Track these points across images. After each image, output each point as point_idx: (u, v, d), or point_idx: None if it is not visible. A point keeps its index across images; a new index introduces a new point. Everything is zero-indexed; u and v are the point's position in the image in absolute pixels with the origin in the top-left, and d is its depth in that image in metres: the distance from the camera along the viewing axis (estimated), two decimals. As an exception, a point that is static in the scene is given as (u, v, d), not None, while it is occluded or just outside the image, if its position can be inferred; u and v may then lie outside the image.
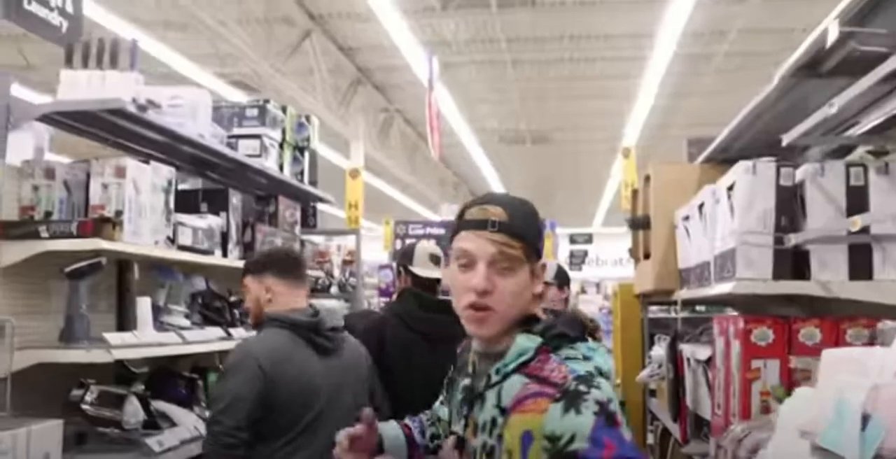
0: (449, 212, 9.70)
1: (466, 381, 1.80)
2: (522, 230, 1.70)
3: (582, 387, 1.57)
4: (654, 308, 5.84)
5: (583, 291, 22.35)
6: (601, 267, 28.68)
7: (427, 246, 3.83)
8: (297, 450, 2.95)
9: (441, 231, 8.82)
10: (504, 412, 1.63)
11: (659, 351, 4.43)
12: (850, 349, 2.35)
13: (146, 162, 3.35)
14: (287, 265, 3.23)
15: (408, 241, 8.59)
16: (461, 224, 1.74)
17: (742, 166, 2.87)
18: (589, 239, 23.53)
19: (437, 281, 3.71)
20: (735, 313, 4.64)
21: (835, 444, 1.67)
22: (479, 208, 1.72)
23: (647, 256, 4.59)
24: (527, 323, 1.72)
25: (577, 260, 21.40)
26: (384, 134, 16.82)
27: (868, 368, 1.79)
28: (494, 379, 1.69)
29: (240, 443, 2.85)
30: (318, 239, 6.04)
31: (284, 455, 2.94)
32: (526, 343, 1.69)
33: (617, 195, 22.13)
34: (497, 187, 22.31)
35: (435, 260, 3.74)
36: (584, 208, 27.40)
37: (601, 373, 1.63)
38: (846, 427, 1.64)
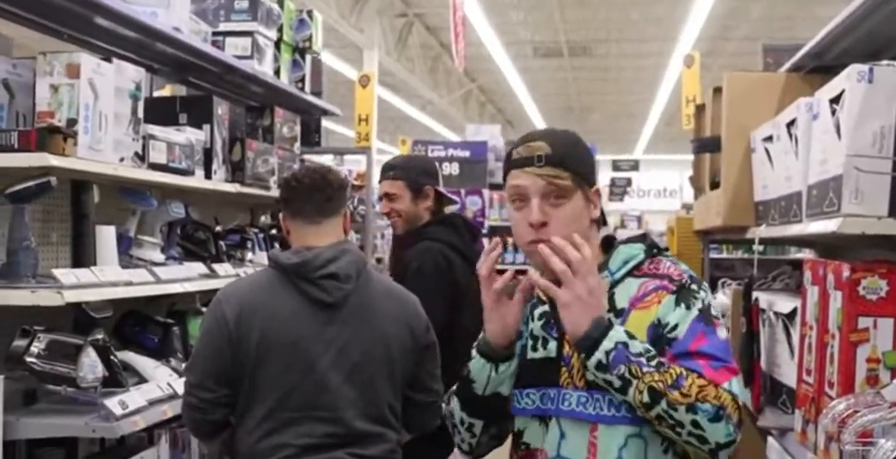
0: (475, 134, 9.34)
1: (543, 308, 1.99)
2: (568, 159, 1.94)
3: (694, 286, 1.93)
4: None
5: (622, 225, 22.11)
6: (643, 198, 28.44)
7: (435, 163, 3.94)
8: (281, 428, 2.61)
9: (466, 153, 8.48)
10: (621, 313, 1.91)
11: (724, 298, 4.15)
12: None
13: (108, 60, 3.09)
14: (290, 194, 2.80)
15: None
16: (510, 163, 1.96)
17: (854, 71, 2.51)
18: (635, 165, 23.25)
19: None
20: (810, 255, 4.34)
21: None
22: (523, 146, 1.95)
23: (714, 186, 4.25)
24: (605, 243, 2.03)
25: (619, 189, 21.10)
26: (402, 43, 16.42)
27: None
28: None
29: (204, 405, 2.64)
30: (322, 159, 5.78)
31: (264, 433, 2.61)
32: (631, 250, 1.99)
33: (663, 117, 21.76)
34: (529, 106, 21.98)
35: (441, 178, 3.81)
36: (627, 133, 27.05)
37: None
38: None
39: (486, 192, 8.39)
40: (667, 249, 2.01)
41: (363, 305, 2.72)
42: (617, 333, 1.82)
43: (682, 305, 1.89)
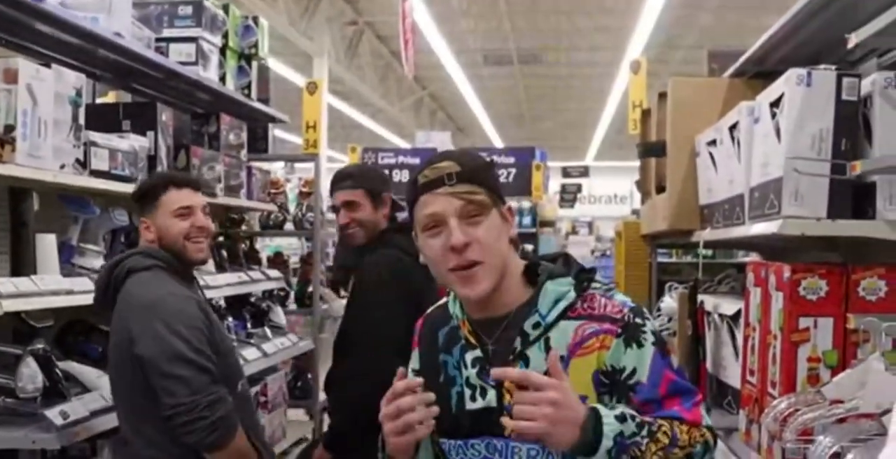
0: (425, 140, 9.34)
1: (475, 353, 1.86)
2: (480, 174, 1.83)
3: (638, 319, 1.80)
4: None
5: (573, 232, 22.21)
6: (594, 204, 28.62)
7: None
8: None
9: (416, 160, 8.48)
10: (560, 360, 1.71)
11: (670, 302, 4.16)
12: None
13: (47, 65, 3.03)
14: None
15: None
16: (417, 189, 1.83)
17: (793, 75, 2.53)
18: (585, 171, 23.32)
19: None
20: (755, 258, 4.37)
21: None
22: (429, 169, 1.83)
23: (659, 190, 4.27)
24: (527, 272, 1.88)
25: (570, 196, 21.13)
26: (352, 51, 16.36)
27: None
28: (534, 334, 1.80)
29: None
30: (273, 167, 5.73)
31: None
32: (559, 288, 1.83)
33: (613, 125, 21.90)
34: (480, 114, 22.00)
35: None
36: (577, 140, 27.18)
37: None
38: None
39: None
40: (592, 271, 1.88)
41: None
42: (609, 426, 1.67)
43: (634, 345, 1.78)
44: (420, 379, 1.78)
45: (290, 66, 14.83)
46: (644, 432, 1.70)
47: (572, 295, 1.82)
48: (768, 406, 2.45)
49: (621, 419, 1.69)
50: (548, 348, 1.78)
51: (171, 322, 2.75)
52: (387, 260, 3.46)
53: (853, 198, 2.52)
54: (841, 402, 2.23)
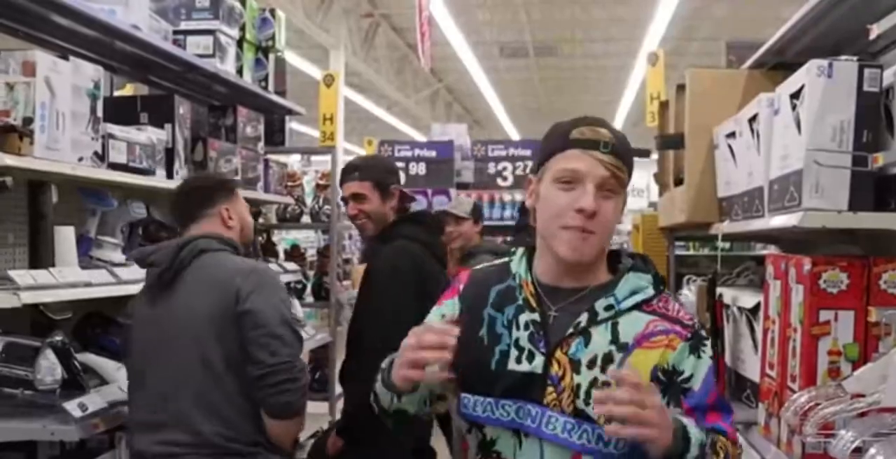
0: (441, 133, 9.29)
1: (531, 316, 1.85)
2: (627, 156, 1.83)
3: (703, 333, 1.86)
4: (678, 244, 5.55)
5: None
6: (610, 197, 28.43)
7: None
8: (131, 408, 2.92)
9: (432, 153, 8.42)
10: (624, 348, 1.79)
11: (689, 295, 4.14)
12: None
13: (65, 58, 3.03)
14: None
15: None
16: (567, 142, 1.81)
17: (814, 66, 2.50)
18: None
19: None
20: (774, 251, 4.34)
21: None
22: (588, 128, 1.81)
23: (678, 182, 4.25)
24: (614, 258, 1.92)
25: (586, 189, 21.02)
26: (368, 43, 16.34)
27: None
28: (604, 315, 1.82)
29: None
30: (290, 160, 5.73)
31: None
32: (640, 281, 1.86)
33: (629, 118, 21.81)
34: (495, 106, 21.95)
35: None
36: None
37: None
38: None
39: (452, 192, 8.34)
40: (664, 278, 1.93)
41: (185, 291, 2.87)
42: (695, 436, 1.71)
43: (695, 354, 1.81)
44: (456, 329, 1.73)
45: (306, 58, 14.83)
46: (709, 442, 1.74)
47: (651, 291, 1.85)
48: (788, 399, 2.43)
49: (700, 429, 1.73)
50: (614, 332, 1.80)
51: (277, 287, 2.90)
52: (395, 250, 3.47)
53: (875, 190, 2.50)
54: (862, 396, 2.22)
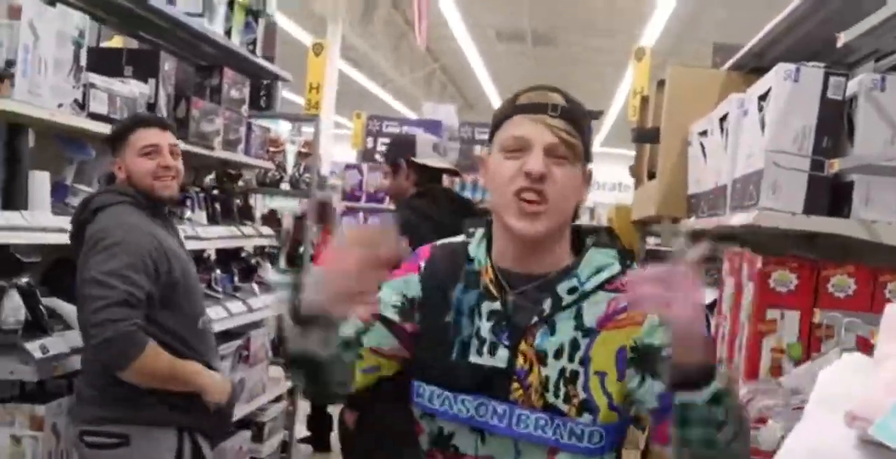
0: (432, 112, 9.30)
1: (493, 306, 1.71)
2: (581, 122, 1.68)
3: None
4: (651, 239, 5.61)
5: (576, 216, 22.12)
6: (598, 191, 28.49)
7: (426, 136, 3.78)
8: None
9: (420, 131, 8.46)
10: (589, 333, 1.66)
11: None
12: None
13: (52, 4, 3.03)
14: None
15: (380, 140, 8.29)
16: (514, 108, 1.69)
17: (782, 70, 2.55)
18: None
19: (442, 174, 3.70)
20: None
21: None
22: (536, 92, 1.70)
23: (651, 176, 4.30)
24: (576, 236, 1.75)
25: (573, 181, 21.03)
26: (367, 17, 16.28)
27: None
28: (568, 299, 1.67)
29: None
30: (280, 128, 5.73)
31: None
32: (604, 258, 1.71)
33: (620, 114, 21.82)
34: (490, 90, 21.91)
35: (439, 149, 3.68)
36: (585, 124, 26.99)
37: None
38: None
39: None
40: (631, 252, 1.80)
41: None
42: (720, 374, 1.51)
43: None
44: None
45: (306, 29, 14.76)
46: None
47: (617, 267, 1.69)
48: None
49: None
50: (578, 317, 1.66)
51: (106, 249, 2.84)
52: (398, 222, 3.50)
53: (831, 195, 2.54)
54: (799, 393, 2.28)
